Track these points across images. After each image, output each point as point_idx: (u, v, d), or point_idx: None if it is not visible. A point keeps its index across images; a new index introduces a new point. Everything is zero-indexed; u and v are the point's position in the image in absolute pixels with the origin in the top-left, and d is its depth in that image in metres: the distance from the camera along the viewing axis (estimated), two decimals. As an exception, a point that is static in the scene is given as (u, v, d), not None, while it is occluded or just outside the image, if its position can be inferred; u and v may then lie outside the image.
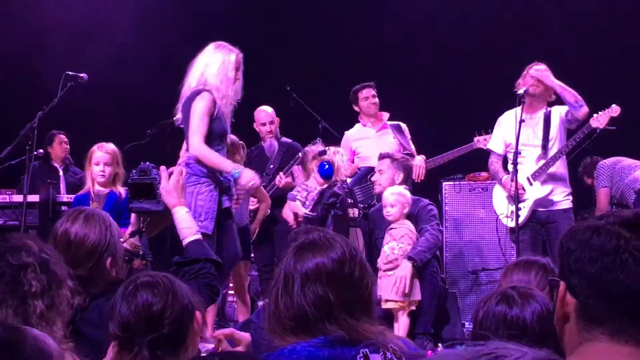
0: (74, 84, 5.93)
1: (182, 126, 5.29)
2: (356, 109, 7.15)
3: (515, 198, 5.67)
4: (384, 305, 5.52)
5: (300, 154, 6.69)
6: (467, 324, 6.09)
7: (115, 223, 2.88)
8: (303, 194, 6.32)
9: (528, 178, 5.88)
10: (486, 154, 6.45)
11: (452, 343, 5.48)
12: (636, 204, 6.46)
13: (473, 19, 9.02)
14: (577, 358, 1.44)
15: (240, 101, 8.54)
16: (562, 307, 1.50)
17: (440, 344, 5.57)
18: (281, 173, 6.81)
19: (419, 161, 6.79)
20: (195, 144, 5.00)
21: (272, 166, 7.10)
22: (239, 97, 5.32)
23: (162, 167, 3.16)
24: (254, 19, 9.67)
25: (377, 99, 7.05)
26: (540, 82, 5.85)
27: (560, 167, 5.96)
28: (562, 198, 5.94)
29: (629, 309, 1.41)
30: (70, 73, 5.92)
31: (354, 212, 6.84)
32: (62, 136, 7.84)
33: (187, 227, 3.04)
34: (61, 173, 7.69)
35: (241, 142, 6.21)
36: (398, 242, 5.69)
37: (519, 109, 5.77)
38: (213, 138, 5.07)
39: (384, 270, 5.64)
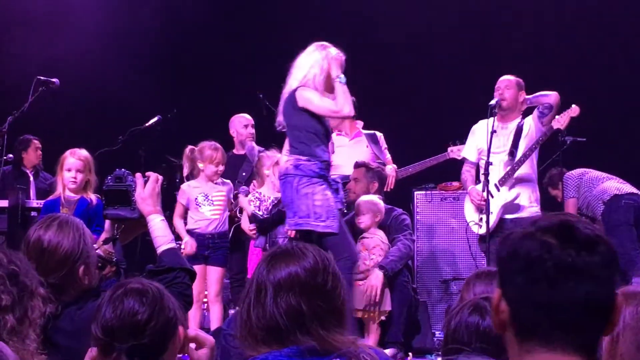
0: (45, 89, 5.89)
1: (283, 130, 5.20)
2: None
3: (487, 208, 5.72)
4: (355, 315, 5.54)
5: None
6: (437, 333, 6.13)
7: (88, 231, 2.86)
8: (256, 203, 6.33)
9: (495, 185, 5.95)
10: (458, 164, 6.52)
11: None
12: (604, 215, 6.55)
13: (447, 28, 9.08)
14: None
15: (212, 108, 8.60)
16: (497, 315, 1.49)
17: (410, 354, 5.60)
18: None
19: (389, 170, 6.83)
20: (336, 107, 4.96)
21: (244, 174, 7.10)
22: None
23: (138, 174, 3.15)
24: (225, 25, 9.67)
25: None
26: (505, 94, 5.96)
27: (527, 170, 6.01)
28: (528, 204, 6.00)
29: (557, 319, 1.41)
30: (41, 78, 5.88)
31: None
32: (37, 142, 7.78)
33: (162, 235, 3.02)
34: (31, 178, 7.62)
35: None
36: (370, 253, 5.72)
37: (491, 119, 5.84)
38: (319, 137, 5.04)
39: (355, 280, 5.66)
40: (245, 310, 1.97)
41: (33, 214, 6.35)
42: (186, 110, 8.42)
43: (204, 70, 9.65)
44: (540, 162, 6.38)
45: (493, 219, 5.86)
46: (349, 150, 6.88)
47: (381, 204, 5.94)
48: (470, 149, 6.26)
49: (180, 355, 2.22)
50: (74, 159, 5.40)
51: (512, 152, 5.95)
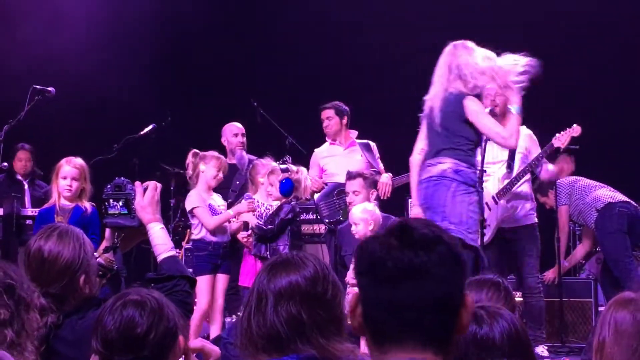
0: (41, 97, 5.90)
1: (438, 130, 5.04)
2: None
3: (481, 212, 5.73)
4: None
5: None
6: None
7: (88, 240, 2.87)
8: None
9: (493, 197, 5.97)
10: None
11: None
12: (597, 223, 6.57)
13: (444, 36, 9.10)
14: None
15: (206, 116, 8.61)
16: (353, 318, 1.52)
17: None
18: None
19: (385, 179, 6.86)
20: (505, 134, 4.97)
21: (237, 182, 7.12)
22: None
23: (137, 183, 3.16)
24: (221, 32, 9.69)
25: (333, 120, 7.10)
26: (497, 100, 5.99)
27: (524, 186, 6.07)
28: (526, 214, 6.06)
29: (402, 318, 1.43)
30: (37, 87, 5.90)
31: (319, 228, 6.89)
32: (21, 153, 7.76)
33: (162, 243, 3.02)
34: (26, 187, 7.62)
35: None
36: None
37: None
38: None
39: (351, 285, 5.67)
40: (246, 319, 1.98)
41: (28, 222, 6.34)
42: (180, 118, 8.44)
43: (198, 78, 9.68)
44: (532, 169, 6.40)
45: (490, 230, 5.88)
46: (344, 160, 6.91)
47: (376, 210, 5.96)
48: None
49: None
50: (70, 166, 5.41)
51: (510, 165, 5.98)
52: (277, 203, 6.45)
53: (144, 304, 2.17)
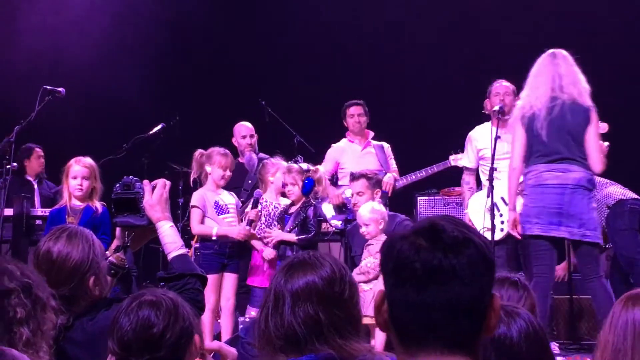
0: (51, 98, 5.91)
1: (565, 137, 5.21)
2: (345, 124, 7.23)
3: (491, 213, 5.72)
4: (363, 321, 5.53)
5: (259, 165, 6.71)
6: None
7: (98, 241, 2.86)
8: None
9: (502, 198, 5.95)
10: (460, 169, 6.54)
11: None
12: (609, 220, 6.54)
13: (451, 37, 9.10)
14: None
15: (215, 116, 8.61)
16: (379, 314, 1.50)
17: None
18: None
19: (388, 178, 6.85)
20: (602, 158, 5.25)
21: (249, 181, 7.12)
22: None
23: (146, 181, 3.15)
24: (228, 32, 9.68)
25: (363, 118, 7.16)
26: (505, 99, 6.00)
27: None
28: None
29: (427, 319, 1.41)
30: (47, 87, 5.91)
31: (327, 227, 6.91)
32: (39, 150, 7.79)
33: (172, 241, 3.02)
34: (36, 187, 7.63)
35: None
36: (373, 257, 5.73)
37: (488, 124, 5.91)
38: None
39: (358, 282, 5.67)
40: (264, 320, 1.98)
41: (38, 222, 6.36)
42: (188, 117, 8.43)
43: (207, 78, 9.67)
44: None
45: (506, 227, 5.85)
46: (359, 160, 6.93)
47: (382, 209, 5.95)
48: (470, 156, 6.29)
49: None
50: (79, 166, 5.42)
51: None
52: (286, 202, 6.44)
53: (159, 304, 2.17)
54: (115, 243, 3.21)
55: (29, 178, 7.67)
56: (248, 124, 7.29)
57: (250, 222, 6.11)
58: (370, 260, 5.72)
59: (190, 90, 9.60)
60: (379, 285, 5.56)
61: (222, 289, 6.12)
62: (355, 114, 7.16)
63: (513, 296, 2.50)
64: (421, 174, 7.03)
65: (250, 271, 6.48)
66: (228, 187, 6.36)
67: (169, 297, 2.22)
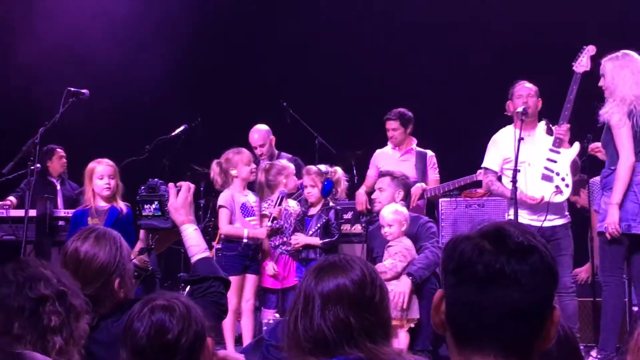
0: (75, 100, 5.95)
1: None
2: None
3: (515, 212, 5.68)
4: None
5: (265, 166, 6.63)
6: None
7: (126, 244, 2.87)
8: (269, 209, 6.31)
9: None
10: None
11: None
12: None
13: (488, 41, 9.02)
14: None
15: (236, 117, 8.61)
16: (436, 314, 1.50)
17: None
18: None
19: (415, 188, 6.81)
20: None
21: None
22: None
23: (171, 184, 3.16)
24: (251, 33, 9.69)
25: (398, 131, 7.08)
26: (529, 101, 5.97)
27: None
28: (563, 212, 6.01)
29: (484, 322, 1.42)
30: (72, 89, 5.95)
31: (348, 229, 6.90)
32: (61, 151, 7.83)
33: (196, 244, 3.03)
34: (58, 187, 7.68)
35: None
36: (392, 258, 5.72)
37: (511, 127, 5.94)
38: None
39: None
40: (293, 322, 1.97)
41: (61, 223, 6.39)
42: (210, 119, 8.44)
43: (228, 79, 9.68)
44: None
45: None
46: (396, 166, 6.84)
47: (405, 211, 5.93)
48: (494, 159, 6.23)
49: None
50: (103, 165, 5.48)
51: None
52: (294, 204, 6.39)
53: (172, 309, 2.16)
54: (138, 245, 3.22)
55: (52, 179, 7.71)
56: (259, 130, 7.23)
57: (273, 220, 6.11)
58: (389, 261, 5.70)
59: (212, 91, 9.61)
60: (400, 286, 5.55)
61: (244, 290, 6.13)
62: (390, 129, 7.13)
63: None
64: (448, 187, 7.02)
65: (264, 274, 6.47)
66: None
67: (181, 300, 2.20)
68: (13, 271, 2.19)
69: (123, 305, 2.75)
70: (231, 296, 5.82)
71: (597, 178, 6.89)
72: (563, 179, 5.90)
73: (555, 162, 5.93)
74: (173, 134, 7.76)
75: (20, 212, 6.35)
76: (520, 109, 5.87)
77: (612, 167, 5.39)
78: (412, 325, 5.61)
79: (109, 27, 8.95)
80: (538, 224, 5.74)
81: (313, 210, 6.40)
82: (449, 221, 7.02)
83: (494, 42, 8.93)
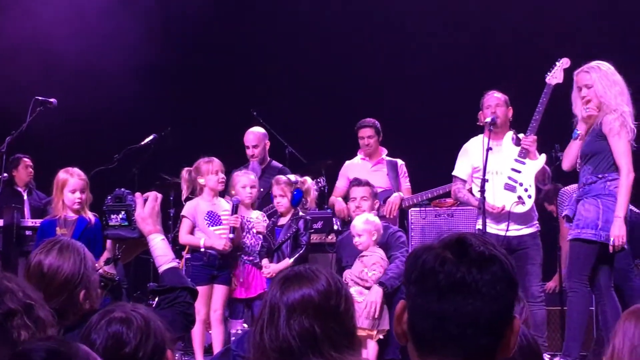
0: (42, 109, 5.91)
1: None
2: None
3: (483, 222, 5.71)
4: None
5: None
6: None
7: (90, 254, 2.85)
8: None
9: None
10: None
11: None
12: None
13: (455, 50, 9.07)
14: None
15: (206, 126, 8.61)
16: (398, 324, 1.52)
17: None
18: None
19: (393, 197, 6.82)
20: None
21: (262, 189, 7.08)
22: None
23: (138, 194, 3.15)
24: (221, 43, 9.68)
25: (373, 139, 7.05)
26: (497, 111, 6.01)
27: None
28: (532, 221, 6.05)
29: (446, 331, 1.43)
30: (39, 98, 5.91)
31: (317, 238, 6.90)
32: (27, 160, 7.76)
33: (163, 254, 3.01)
34: (25, 197, 7.60)
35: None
36: (369, 269, 5.73)
37: (481, 136, 5.96)
38: None
39: (358, 286, 5.66)
40: (259, 332, 1.98)
41: (28, 232, 6.32)
42: (180, 128, 8.41)
43: (198, 89, 9.66)
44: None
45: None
46: (368, 176, 6.81)
47: (377, 220, 5.96)
48: (464, 168, 6.26)
49: None
50: (76, 179, 5.40)
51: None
52: (257, 215, 6.37)
53: (130, 322, 2.13)
54: (105, 255, 3.20)
55: (18, 188, 7.64)
56: (255, 132, 7.26)
57: (233, 230, 6.06)
58: (371, 272, 5.71)
59: (181, 101, 9.58)
60: (371, 295, 5.56)
61: (211, 301, 6.10)
62: (364, 136, 7.09)
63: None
64: (427, 195, 7.04)
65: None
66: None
67: (140, 312, 2.17)
68: None
69: (88, 317, 2.72)
70: (200, 306, 5.80)
71: (568, 187, 6.96)
72: (526, 190, 5.92)
73: (519, 172, 5.96)
74: (142, 143, 7.72)
75: (-14, 223, 6.28)
76: (488, 119, 5.92)
77: (599, 176, 5.32)
78: (382, 336, 5.62)
79: (78, 35, 8.88)
80: (503, 233, 5.78)
81: (283, 220, 6.39)
82: (418, 230, 7.05)
83: (466, 52, 8.99)
